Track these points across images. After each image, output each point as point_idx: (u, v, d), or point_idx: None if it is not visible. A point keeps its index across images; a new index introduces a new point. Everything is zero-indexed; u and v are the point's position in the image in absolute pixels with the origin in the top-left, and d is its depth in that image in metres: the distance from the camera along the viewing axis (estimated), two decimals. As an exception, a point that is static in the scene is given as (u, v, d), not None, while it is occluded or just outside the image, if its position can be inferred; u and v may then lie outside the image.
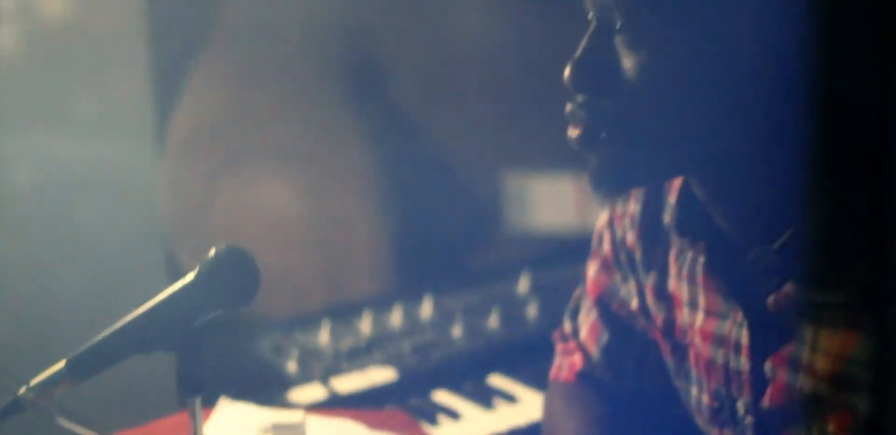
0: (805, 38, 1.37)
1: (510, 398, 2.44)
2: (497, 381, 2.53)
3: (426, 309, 2.73)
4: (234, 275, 1.49)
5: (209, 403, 1.91)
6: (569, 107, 1.42)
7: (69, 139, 2.75)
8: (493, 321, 2.70)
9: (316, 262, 2.89)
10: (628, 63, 1.38)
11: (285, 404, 2.32)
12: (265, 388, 2.42)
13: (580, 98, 1.41)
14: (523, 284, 2.84)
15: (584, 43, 1.41)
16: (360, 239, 2.97)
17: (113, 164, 2.76)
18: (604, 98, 1.39)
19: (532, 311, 2.73)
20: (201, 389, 1.51)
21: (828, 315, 1.39)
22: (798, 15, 1.36)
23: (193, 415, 1.51)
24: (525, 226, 3.08)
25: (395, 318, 2.70)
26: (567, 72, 1.41)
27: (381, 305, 2.74)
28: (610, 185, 1.44)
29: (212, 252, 1.51)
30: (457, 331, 2.66)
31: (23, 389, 1.48)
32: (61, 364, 1.50)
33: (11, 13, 2.66)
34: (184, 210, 2.81)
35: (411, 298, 2.76)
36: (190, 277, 1.51)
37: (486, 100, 3.00)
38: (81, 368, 1.50)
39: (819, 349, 1.39)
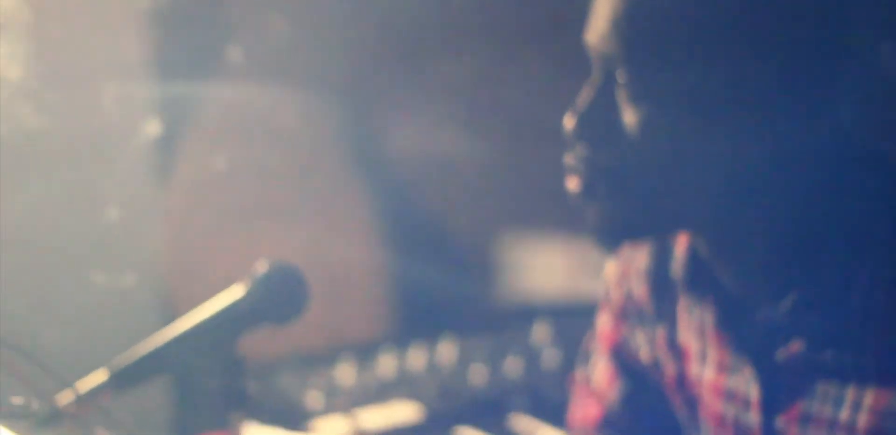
0: (814, 93, 1.36)
1: (533, 437, 2.44)
2: (517, 421, 2.51)
3: (446, 349, 2.72)
4: (286, 288, 1.50)
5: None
6: (568, 157, 1.42)
7: (74, 187, 2.75)
8: (512, 363, 2.69)
9: (328, 305, 2.88)
10: (629, 116, 1.37)
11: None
12: (287, 418, 2.41)
13: (580, 149, 1.41)
14: (541, 330, 2.84)
15: (586, 94, 1.41)
16: (371, 284, 2.98)
17: (116, 210, 2.76)
18: (604, 150, 1.39)
19: (550, 355, 2.72)
20: (245, 405, 1.50)
21: (854, 373, 1.38)
22: (805, 68, 1.35)
23: (235, 428, 1.50)
24: (539, 275, 3.09)
25: (416, 357, 2.69)
26: (568, 122, 1.41)
27: (401, 345, 2.74)
28: (607, 239, 1.43)
29: (262, 266, 1.51)
30: (476, 371, 2.65)
31: (63, 400, 1.47)
32: (103, 374, 1.49)
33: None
34: (186, 260, 2.81)
35: (431, 339, 2.76)
36: (239, 290, 1.51)
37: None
38: (124, 379, 1.49)
39: (846, 404, 1.38)
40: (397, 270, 3.03)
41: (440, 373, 2.63)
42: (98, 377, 1.48)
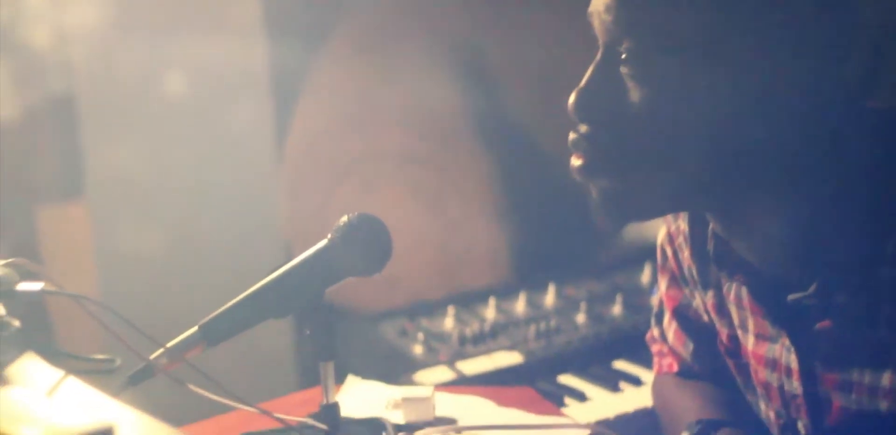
0: (817, 75, 1.32)
1: (636, 381, 2.42)
2: (622, 365, 2.50)
3: (550, 297, 2.71)
4: (367, 240, 1.50)
5: (337, 381, 1.91)
6: (572, 136, 1.39)
7: (192, 142, 2.77)
8: (617, 309, 2.68)
9: (438, 256, 2.89)
10: (632, 95, 1.34)
11: (412, 384, 2.32)
12: (391, 369, 2.42)
13: (583, 128, 1.38)
14: (646, 274, 2.82)
15: (589, 72, 1.38)
16: (481, 234, 2.97)
17: (234, 166, 2.78)
18: (606, 129, 1.36)
19: (655, 300, 2.69)
20: (333, 355, 1.51)
21: (892, 343, 1.35)
22: (807, 49, 1.31)
23: (326, 379, 1.52)
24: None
25: (520, 305, 2.69)
26: (571, 101, 1.38)
27: (505, 294, 2.73)
28: (610, 217, 1.40)
29: (344, 218, 1.51)
30: (581, 318, 2.64)
31: (155, 355, 1.48)
32: (194, 329, 1.50)
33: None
34: (303, 212, 2.83)
35: (535, 287, 2.75)
36: (323, 242, 1.51)
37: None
38: (214, 332, 1.50)
39: (886, 372, 1.35)
40: (507, 219, 3.02)
41: (545, 320, 2.62)
42: (189, 332, 1.50)
